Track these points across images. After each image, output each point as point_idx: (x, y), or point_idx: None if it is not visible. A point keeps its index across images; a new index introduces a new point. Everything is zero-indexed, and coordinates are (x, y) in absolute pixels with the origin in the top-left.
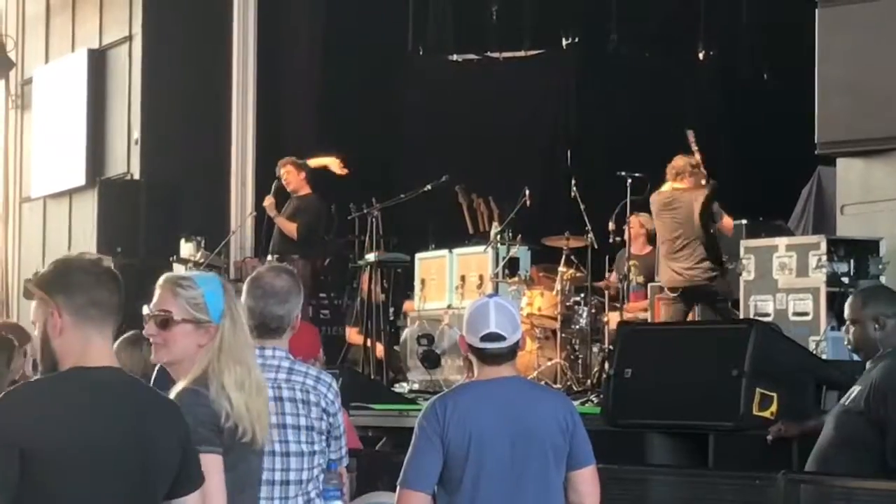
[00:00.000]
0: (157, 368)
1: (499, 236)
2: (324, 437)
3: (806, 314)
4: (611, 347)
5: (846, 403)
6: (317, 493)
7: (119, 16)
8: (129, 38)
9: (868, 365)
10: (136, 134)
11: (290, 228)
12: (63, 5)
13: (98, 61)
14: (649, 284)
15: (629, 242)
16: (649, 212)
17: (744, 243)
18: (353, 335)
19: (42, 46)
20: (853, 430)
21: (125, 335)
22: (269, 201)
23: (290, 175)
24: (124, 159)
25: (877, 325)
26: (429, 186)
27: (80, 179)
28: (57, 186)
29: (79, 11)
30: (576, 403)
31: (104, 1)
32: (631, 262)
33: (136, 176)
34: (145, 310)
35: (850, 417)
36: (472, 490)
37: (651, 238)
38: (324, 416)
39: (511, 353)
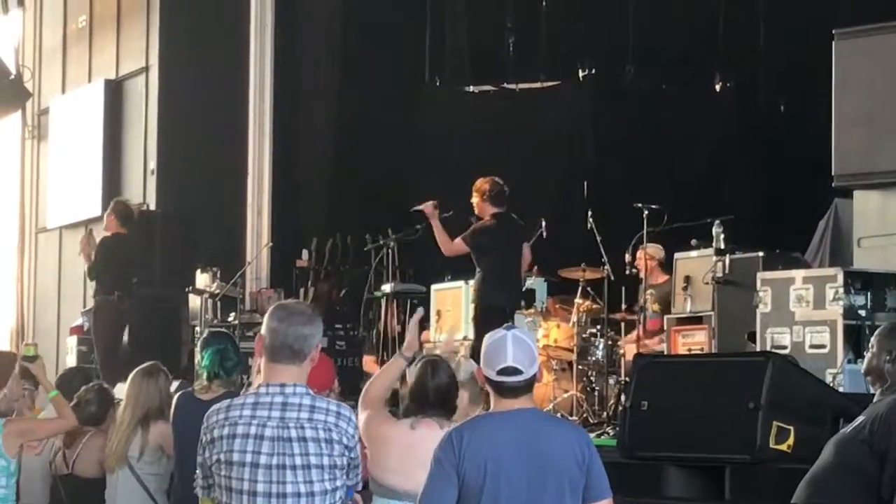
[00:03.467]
0: (177, 397)
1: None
2: (345, 471)
3: (823, 347)
4: (627, 379)
5: (848, 431)
6: None
7: (136, 47)
8: (146, 68)
9: (876, 396)
10: (152, 164)
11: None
12: (80, 36)
13: (114, 92)
14: (665, 316)
15: (646, 273)
16: (660, 243)
17: (760, 275)
18: (369, 364)
19: (59, 77)
20: (853, 458)
21: (141, 366)
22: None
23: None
24: (140, 189)
25: (888, 358)
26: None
27: (97, 209)
28: (73, 216)
29: (96, 42)
30: (592, 435)
31: (121, 32)
32: (648, 292)
33: (153, 206)
34: None
35: (852, 445)
36: None
37: (664, 267)
38: (345, 452)
39: (528, 387)
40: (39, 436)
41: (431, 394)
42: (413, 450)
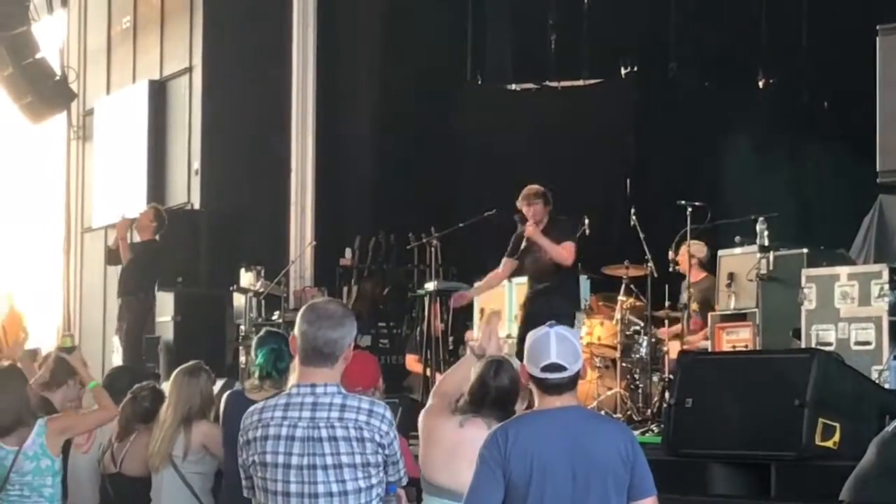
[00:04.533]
0: (227, 396)
1: None
2: (380, 469)
3: (868, 343)
4: (671, 377)
5: (889, 430)
6: None
7: (179, 47)
8: (190, 69)
9: None
10: (196, 164)
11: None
12: (124, 37)
13: (158, 92)
14: (710, 313)
15: (688, 271)
16: (703, 240)
17: (805, 272)
18: (412, 362)
19: (103, 78)
20: (894, 458)
21: (184, 366)
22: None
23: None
24: (184, 189)
25: None
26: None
27: (141, 209)
28: (118, 216)
29: (140, 43)
30: (636, 433)
31: (165, 33)
32: (689, 290)
33: (196, 206)
34: None
35: (893, 445)
36: None
37: (703, 265)
38: (379, 449)
39: (572, 383)
40: (84, 429)
41: (492, 393)
42: (459, 448)
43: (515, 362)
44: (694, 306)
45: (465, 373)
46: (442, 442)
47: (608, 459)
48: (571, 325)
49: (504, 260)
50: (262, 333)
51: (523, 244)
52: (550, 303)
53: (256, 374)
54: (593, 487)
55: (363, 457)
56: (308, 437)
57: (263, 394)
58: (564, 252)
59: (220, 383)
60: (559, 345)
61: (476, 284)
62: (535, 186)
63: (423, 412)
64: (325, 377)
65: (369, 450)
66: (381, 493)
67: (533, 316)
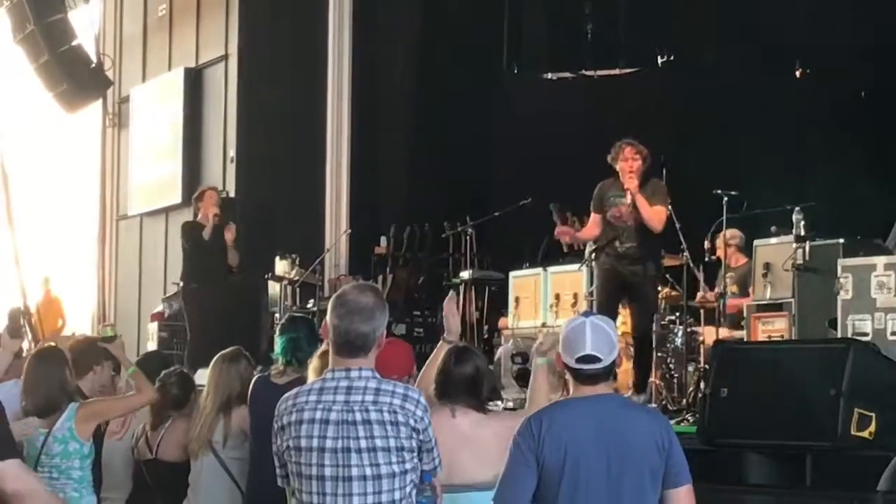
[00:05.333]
0: (254, 381)
1: (593, 255)
2: (415, 454)
3: None
4: (706, 366)
5: None
6: None
7: (215, 35)
8: (226, 56)
9: None
10: (232, 152)
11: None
12: (160, 25)
13: (194, 80)
14: (745, 303)
15: (724, 256)
16: (739, 230)
17: (841, 262)
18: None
19: (139, 65)
20: None
21: (223, 352)
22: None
23: None
24: (220, 177)
25: None
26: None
27: (177, 197)
28: (153, 204)
29: (176, 31)
30: (671, 423)
31: (201, 20)
32: (727, 275)
33: (232, 193)
34: None
35: None
36: None
37: (743, 250)
38: (413, 434)
39: (607, 374)
40: (117, 413)
41: (453, 381)
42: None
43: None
44: (734, 288)
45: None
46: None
47: (643, 448)
48: (657, 294)
49: (593, 216)
50: (284, 320)
51: (610, 198)
52: (645, 267)
53: (280, 361)
54: (628, 475)
55: (397, 441)
56: (342, 421)
57: (286, 378)
58: (658, 216)
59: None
60: (594, 335)
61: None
62: (634, 142)
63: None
64: (360, 364)
65: (403, 434)
66: (416, 479)
67: (621, 280)
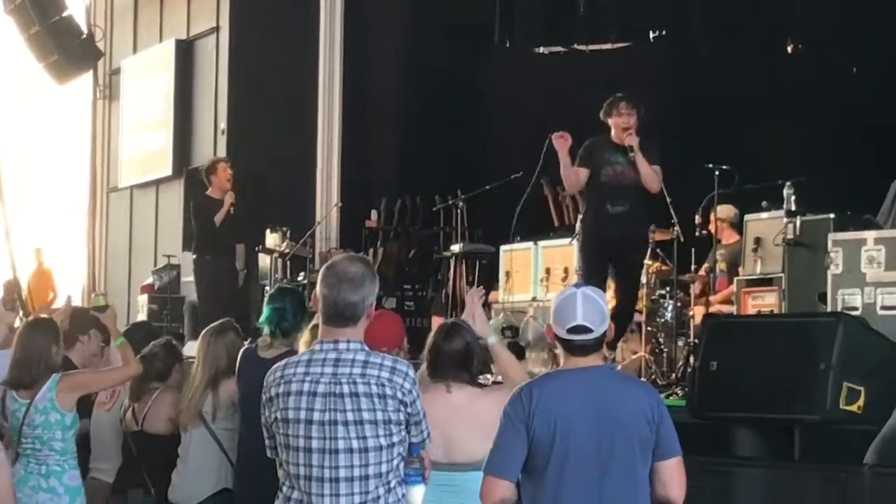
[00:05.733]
0: (241, 353)
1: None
2: (402, 427)
3: (894, 308)
4: (696, 341)
5: None
6: (398, 482)
7: (206, 7)
8: (217, 28)
9: None
10: (223, 124)
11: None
12: None
13: (185, 52)
14: (735, 278)
15: (716, 233)
16: (730, 204)
17: (832, 237)
18: (437, 324)
19: (130, 37)
20: None
21: (212, 324)
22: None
23: None
24: (211, 149)
25: None
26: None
27: (167, 169)
28: (144, 176)
29: (167, 2)
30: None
31: None
32: (718, 252)
33: None
34: None
35: None
36: (556, 478)
37: (735, 227)
38: (400, 407)
39: (598, 345)
40: (101, 386)
41: (444, 357)
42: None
43: (539, 325)
44: (722, 266)
45: (508, 358)
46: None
47: (634, 420)
48: (643, 262)
49: (577, 169)
50: (272, 291)
51: (605, 157)
52: (636, 230)
53: (265, 332)
54: (618, 447)
55: (384, 413)
56: (330, 393)
57: (274, 351)
58: (656, 176)
59: (246, 344)
60: (585, 306)
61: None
62: (629, 96)
63: None
64: (348, 335)
65: (391, 407)
66: (403, 452)
67: (607, 250)
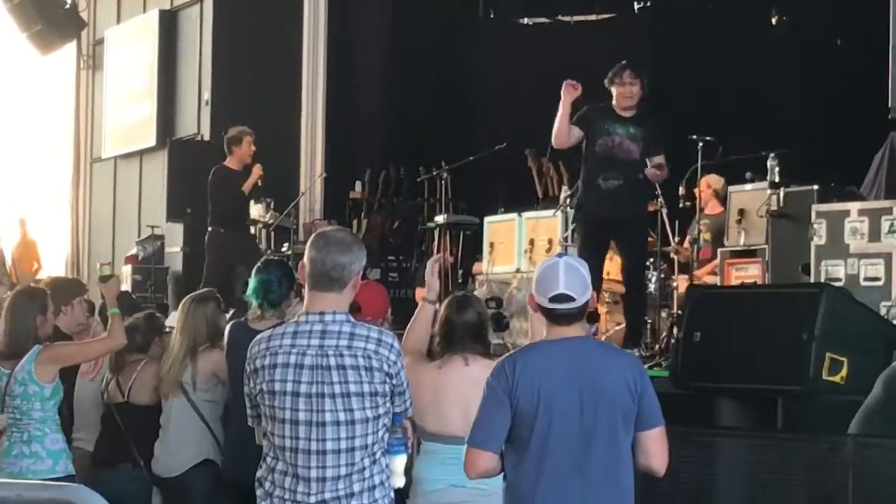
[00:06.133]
0: (230, 326)
1: (568, 200)
2: (387, 399)
3: (877, 279)
4: (679, 312)
5: (895, 366)
6: (382, 453)
7: None
8: None
9: None
10: (207, 95)
11: None
12: None
13: (169, 22)
14: (719, 250)
15: (700, 204)
16: (718, 174)
17: (815, 208)
18: (421, 296)
19: (114, 7)
20: None
21: (192, 294)
22: None
23: None
24: (194, 120)
25: None
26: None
27: (151, 140)
28: (127, 147)
29: None
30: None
31: None
32: (701, 222)
33: (207, 137)
34: None
35: None
36: (540, 449)
37: (721, 198)
38: (386, 379)
39: (580, 314)
40: (82, 359)
41: (458, 330)
42: (442, 390)
43: (523, 296)
44: (707, 236)
45: (425, 325)
46: (425, 388)
47: (616, 389)
48: (647, 239)
49: (572, 126)
50: (260, 263)
51: (605, 126)
52: (633, 207)
53: (253, 304)
54: (601, 417)
55: (371, 386)
56: (316, 366)
57: (265, 323)
58: (664, 170)
59: (229, 314)
60: (568, 275)
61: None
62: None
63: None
64: (334, 303)
65: (377, 379)
66: (388, 423)
67: (604, 229)
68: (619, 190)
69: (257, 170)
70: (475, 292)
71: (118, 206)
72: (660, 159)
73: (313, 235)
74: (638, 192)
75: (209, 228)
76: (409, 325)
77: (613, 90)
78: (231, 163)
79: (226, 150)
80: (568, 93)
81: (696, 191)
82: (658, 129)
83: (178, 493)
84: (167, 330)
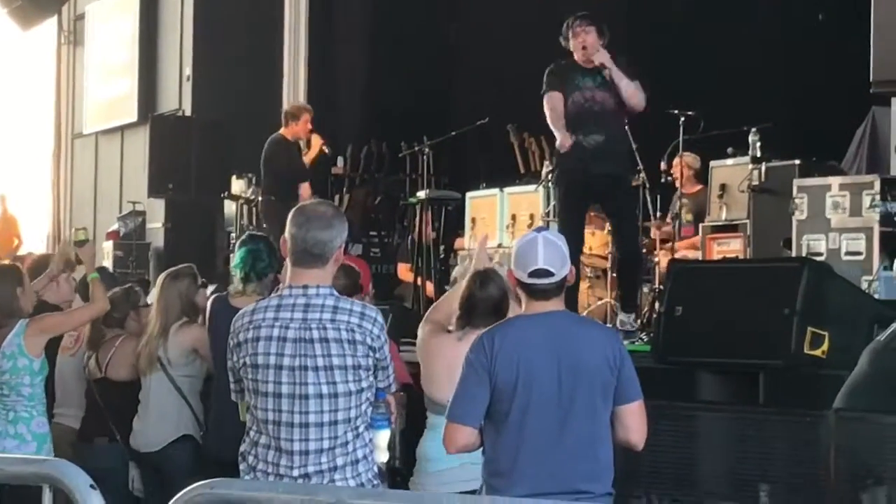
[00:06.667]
0: (211, 301)
1: (550, 175)
2: (370, 373)
3: (859, 254)
4: (661, 287)
5: (882, 339)
6: (365, 427)
7: None
8: None
9: None
10: (188, 70)
11: None
12: None
13: None
14: (700, 224)
15: (680, 182)
16: (695, 151)
17: (797, 182)
18: (403, 271)
19: None
20: (887, 366)
21: (169, 270)
22: None
23: None
24: (176, 96)
25: None
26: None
27: (132, 116)
28: (109, 122)
29: None
30: (625, 343)
31: None
32: (681, 201)
33: (188, 112)
34: None
35: (886, 353)
36: (519, 423)
37: (700, 176)
38: (369, 353)
39: (559, 289)
40: (69, 327)
41: (480, 305)
42: (458, 362)
43: (505, 271)
44: (688, 217)
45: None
46: (442, 358)
47: (595, 363)
48: (634, 199)
49: (554, 94)
50: (243, 237)
51: (573, 78)
52: (619, 165)
53: (237, 277)
54: (579, 391)
55: (354, 359)
56: (300, 339)
57: (246, 299)
58: (639, 91)
59: (210, 289)
60: (546, 250)
61: None
62: (586, 14)
63: (420, 339)
64: (317, 278)
65: (360, 352)
66: (371, 397)
67: (587, 190)
68: (605, 145)
69: (317, 140)
70: (456, 268)
71: (99, 181)
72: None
73: (293, 211)
74: (621, 148)
75: (261, 198)
76: (445, 296)
77: (570, 45)
78: (287, 133)
79: (283, 122)
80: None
81: (675, 165)
82: (623, 63)
83: (158, 469)
84: (143, 304)
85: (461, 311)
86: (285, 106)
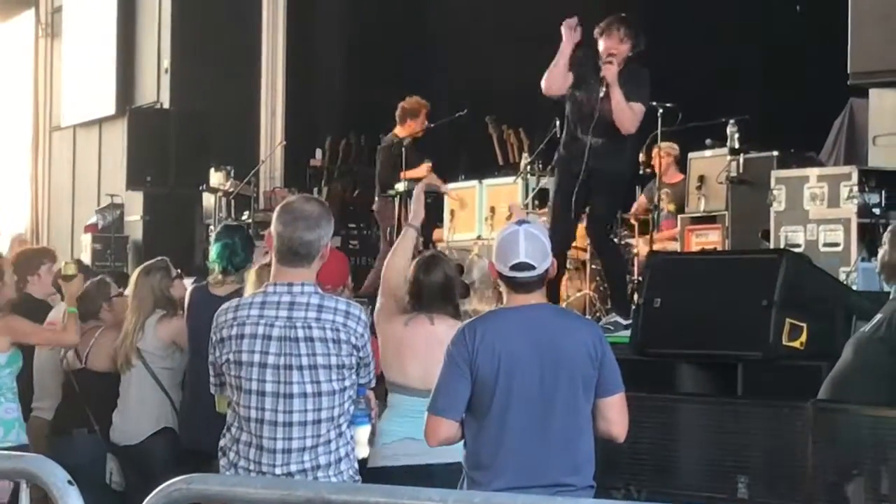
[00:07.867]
0: (190, 291)
1: (528, 167)
2: (353, 371)
3: (837, 245)
4: (640, 278)
5: (866, 331)
6: (347, 424)
7: None
8: None
9: (893, 293)
10: (167, 63)
11: None
12: None
13: None
14: (679, 216)
15: (659, 172)
16: (674, 143)
17: (775, 174)
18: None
19: None
20: (872, 357)
21: (144, 264)
22: None
23: None
24: (154, 88)
25: None
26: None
27: (110, 108)
28: (87, 115)
29: None
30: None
31: None
32: (662, 191)
33: (166, 105)
34: None
35: (871, 344)
36: (500, 416)
37: (680, 164)
38: (353, 351)
39: (540, 282)
40: (34, 341)
41: (425, 290)
42: (404, 346)
43: (485, 263)
44: (671, 207)
45: (406, 252)
46: (389, 342)
47: (576, 356)
48: (617, 199)
49: (568, 72)
50: (219, 229)
51: (586, 74)
52: (615, 161)
53: (216, 271)
54: (561, 384)
55: (338, 358)
56: (285, 337)
57: (227, 287)
58: (630, 115)
59: (188, 281)
60: (528, 243)
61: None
62: (629, 21)
63: (376, 313)
64: (302, 276)
65: (344, 352)
66: (353, 394)
67: (584, 169)
68: (603, 147)
69: (428, 171)
70: (474, 270)
71: (77, 174)
72: (634, 105)
73: (279, 208)
74: (623, 148)
75: (377, 197)
76: (391, 253)
77: (601, 42)
78: (401, 131)
79: (397, 119)
80: (568, 36)
81: (654, 155)
82: (631, 81)
83: (138, 461)
84: (115, 294)
85: (409, 297)
86: (263, 99)
